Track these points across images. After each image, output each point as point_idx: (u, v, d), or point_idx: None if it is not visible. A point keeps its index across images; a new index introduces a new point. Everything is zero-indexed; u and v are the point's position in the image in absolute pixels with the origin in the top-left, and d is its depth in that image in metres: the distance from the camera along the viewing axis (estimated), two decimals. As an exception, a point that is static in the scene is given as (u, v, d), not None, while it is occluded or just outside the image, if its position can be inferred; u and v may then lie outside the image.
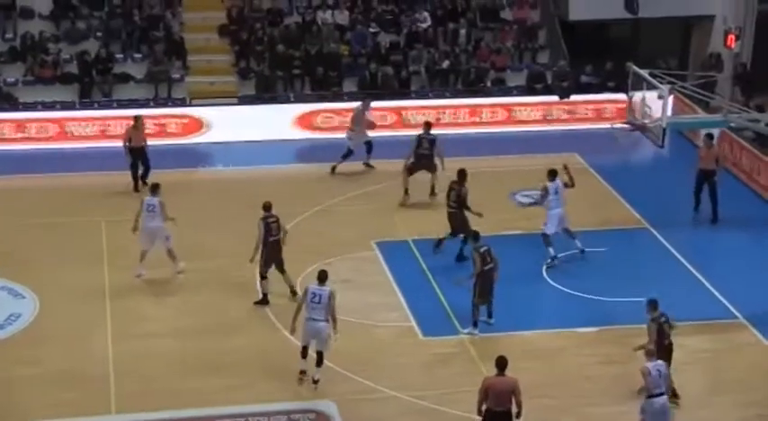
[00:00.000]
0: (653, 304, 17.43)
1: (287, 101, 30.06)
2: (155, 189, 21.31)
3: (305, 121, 29.05)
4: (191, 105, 29.61)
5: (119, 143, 25.94)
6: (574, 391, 17.86)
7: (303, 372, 18.07)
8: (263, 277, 20.42)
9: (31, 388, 17.84)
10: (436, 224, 23.11)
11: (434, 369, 18.62)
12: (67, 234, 23.12)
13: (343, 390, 17.92)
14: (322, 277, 18.03)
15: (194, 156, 27.75)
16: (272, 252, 20.35)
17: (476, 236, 20.05)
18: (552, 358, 18.82)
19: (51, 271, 21.51)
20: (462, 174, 22.54)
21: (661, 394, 15.90)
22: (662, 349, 16.88)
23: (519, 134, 29.24)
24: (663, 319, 17.52)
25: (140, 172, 25.42)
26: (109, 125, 28.13)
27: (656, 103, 23.17)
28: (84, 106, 29.31)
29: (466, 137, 28.80)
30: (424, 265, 22.07)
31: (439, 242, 22.25)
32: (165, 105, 29.53)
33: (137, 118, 25.86)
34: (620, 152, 27.59)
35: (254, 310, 20.30)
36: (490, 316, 19.78)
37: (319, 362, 17.95)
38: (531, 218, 23.64)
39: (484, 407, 15.72)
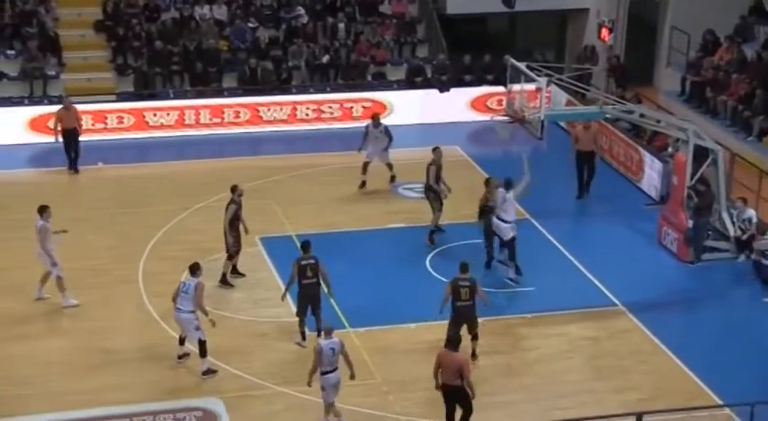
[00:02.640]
0: (464, 266, 18.37)
1: (166, 97, 29.74)
2: (42, 211, 19.87)
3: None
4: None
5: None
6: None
7: (181, 357, 18.22)
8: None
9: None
10: (320, 219, 23.11)
11: (321, 363, 18.61)
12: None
13: (229, 387, 17.85)
14: (193, 269, 18.06)
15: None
16: None
17: None
18: (434, 351, 18.92)
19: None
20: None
21: (334, 370, 16.49)
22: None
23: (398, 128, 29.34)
24: (464, 283, 18.30)
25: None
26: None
27: (534, 96, 23.58)
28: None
29: (344, 132, 28.81)
30: (308, 260, 22.03)
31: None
32: (40, 103, 28.95)
33: (64, 99, 26.11)
34: (499, 144, 27.96)
35: (138, 309, 20.05)
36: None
37: (201, 353, 17.89)
38: (413, 211, 23.83)
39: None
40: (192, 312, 17.96)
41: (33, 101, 29.14)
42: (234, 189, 21.19)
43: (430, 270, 21.86)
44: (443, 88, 30.11)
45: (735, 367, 18.67)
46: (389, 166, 25.44)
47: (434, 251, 22.47)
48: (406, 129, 29.17)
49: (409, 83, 31.11)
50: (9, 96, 29.19)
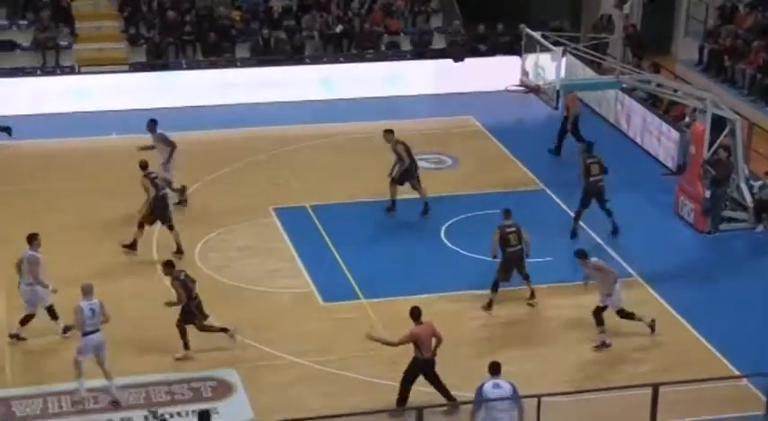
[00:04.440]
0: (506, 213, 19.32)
1: (179, 67, 29.72)
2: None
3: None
4: (79, 73, 29.09)
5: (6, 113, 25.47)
6: (472, 352, 18.08)
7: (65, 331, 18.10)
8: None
9: None
10: (334, 190, 23.15)
11: (335, 334, 18.71)
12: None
13: (244, 358, 17.93)
14: (29, 240, 17.95)
15: (80, 125, 27.27)
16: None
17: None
18: (452, 320, 19.01)
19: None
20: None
21: (96, 331, 16.51)
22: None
23: (411, 98, 29.32)
24: (511, 229, 19.01)
25: None
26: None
27: (550, 65, 23.48)
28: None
29: (358, 102, 28.77)
30: (322, 231, 22.11)
31: None
32: (53, 74, 28.98)
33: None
34: (514, 113, 27.91)
35: (148, 279, 20.11)
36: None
37: (52, 317, 18.05)
38: (426, 181, 23.83)
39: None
40: (31, 285, 17.87)
41: (46, 71, 29.15)
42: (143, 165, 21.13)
43: (444, 240, 21.87)
44: (457, 58, 30.01)
45: (752, 337, 18.65)
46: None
47: (449, 222, 22.46)
48: (419, 99, 29.19)
49: (423, 52, 30.99)
50: (22, 66, 29.20)
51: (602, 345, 18.35)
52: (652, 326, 18.64)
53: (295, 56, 30.34)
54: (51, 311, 18.24)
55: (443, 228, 22.23)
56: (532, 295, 19.60)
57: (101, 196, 23.24)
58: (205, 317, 17.97)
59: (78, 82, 28.48)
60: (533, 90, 24.67)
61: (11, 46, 29.51)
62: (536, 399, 14.97)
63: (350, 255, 21.06)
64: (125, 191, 22.36)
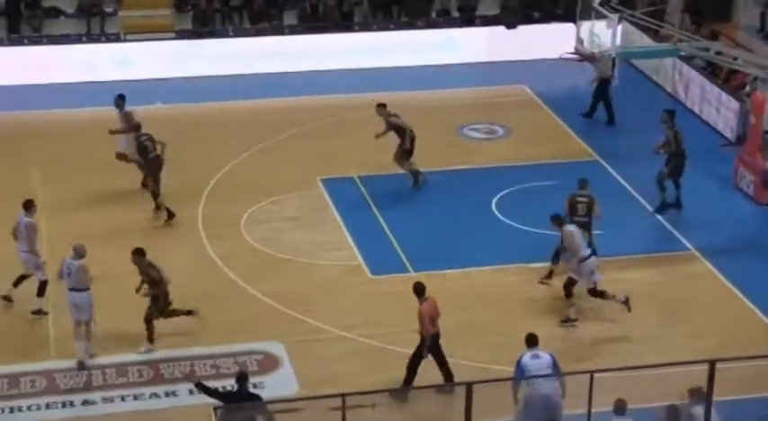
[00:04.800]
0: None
1: (225, 35, 29.74)
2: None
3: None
4: (124, 41, 29.22)
5: (47, 81, 25.51)
6: (526, 328, 17.97)
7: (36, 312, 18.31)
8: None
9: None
10: (383, 161, 23.11)
11: (383, 308, 18.71)
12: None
13: (291, 331, 18.00)
14: (26, 206, 18.16)
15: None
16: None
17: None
18: (504, 294, 18.97)
19: None
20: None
21: (73, 289, 16.94)
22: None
23: (462, 66, 29.16)
24: (582, 199, 19.09)
25: None
26: (38, 63, 27.70)
27: (605, 33, 23.23)
28: (12, 42, 28.83)
29: (406, 70, 28.69)
30: (371, 202, 22.10)
31: None
32: (98, 41, 29.11)
33: None
34: (568, 82, 27.68)
35: (196, 253, 20.21)
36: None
37: (39, 293, 18.23)
38: (477, 152, 23.78)
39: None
40: (29, 252, 17.98)
41: (91, 38, 29.28)
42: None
43: (496, 212, 21.78)
44: (510, 25, 29.77)
45: (813, 314, 18.46)
46: None
47: (500, 194, 22.33)
48: (470, 68, 29.02)
49: (473, 19, 30.75)
50: (67, 34, 29.35)
51: (567, 321, 18.22)
52: (627, 305, 18.26)
53: (343, 23, 30.24)
54: (42, 288, 18.22)
55: (495, 201, 22.13)
56: None
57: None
58: (170, 303, 17.68)
59: (123, 49, 28.59)
60: (588, 58, 24.42)
61: (56, 12, 29.66)
62: (588, 375, 14.88)
63: (399, 227, 21.03)
64: (171, 159, 22.41)
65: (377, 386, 15.76)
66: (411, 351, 16.76)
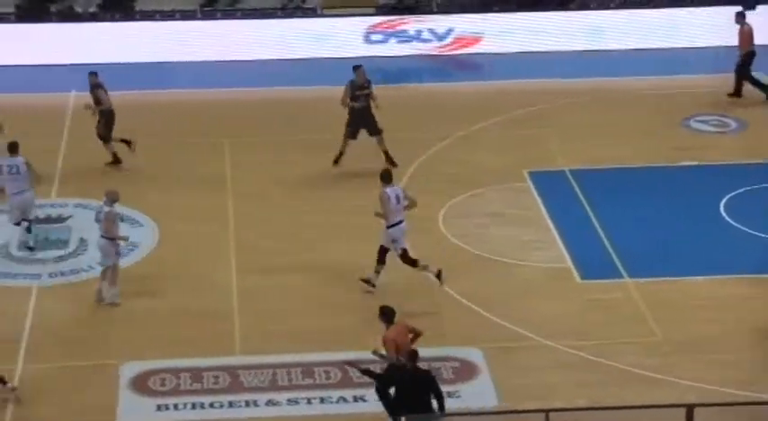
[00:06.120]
0: None
1: (430, 11, 29.64)
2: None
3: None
4: (322, 16, 29.51)
5: (243, 58, 26.04)
6: (757, 347, 17.42)
7: None
8: None
9: (146, 323, 18.15)
10: (598, 153, 22.75)
11: (593, 316, 18.36)
12: (189, 155, 23.40)
13: (490, 337, 17.80)
14: (109, 196, 18.49)
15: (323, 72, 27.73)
16: None
17: None
18: (731, 308, 18.36)
19: (171, 196, 21.78)
20: None
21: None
22: None
23: (691, 50, 28.45)
24: None
25: None
26: (233, 38, 28.31)
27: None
28: (206, 16, 29.49)
29: (630, 54, 28.14)
30: (583, 199, 21.74)
31: None
32: (293, 16, 29.51)
33: None
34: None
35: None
36: None
37: (111, 280, 18.52)
38: (707, 147, 23.10)
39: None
40: (108, 239, 18.35)
41: (286, 13, 29.66)
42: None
43: (724, 215, 21.15)
44: (749, 5, 28.80)
45: None
46: None
47: (730, 195, 21.65)
48: (700, 52, 28.30)
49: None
50: (261, 7, 29.82)
51: (366, 282, 18.65)
52: (438, 277, 18.54)
53: (562, 2, 29.80)
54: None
55: (723, 202, 21.49)
56: None
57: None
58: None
59: (321, 25, 28.91)
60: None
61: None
62: None
63: (613, 228, 20.62)
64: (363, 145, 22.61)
65: (588, 402, 15.49)
66: (624, 366, 16.42)
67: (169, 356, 17.26)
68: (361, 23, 28.92)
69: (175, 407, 16.24)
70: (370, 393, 16.12)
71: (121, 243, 18.73)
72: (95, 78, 22.84)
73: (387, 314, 15.66)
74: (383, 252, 18.71)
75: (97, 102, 22.70)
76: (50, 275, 19.45)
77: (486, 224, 21.05)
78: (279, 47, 28.31)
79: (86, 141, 23.01)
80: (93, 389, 16.53)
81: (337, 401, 16.46)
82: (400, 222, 18.58)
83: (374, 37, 28.55)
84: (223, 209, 21.39)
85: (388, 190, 18.64)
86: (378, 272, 18.73)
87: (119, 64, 26.85)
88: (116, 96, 22.98)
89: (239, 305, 18.61)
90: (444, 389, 15.26)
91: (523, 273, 19.64)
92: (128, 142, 22.77)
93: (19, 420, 15.88)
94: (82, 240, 20.32)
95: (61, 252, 20.05)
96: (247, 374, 16.91)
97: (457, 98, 26.18)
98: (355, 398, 16.49)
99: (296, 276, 19.09)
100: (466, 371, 17.06)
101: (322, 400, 16.48)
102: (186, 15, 29.46)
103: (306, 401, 16.46)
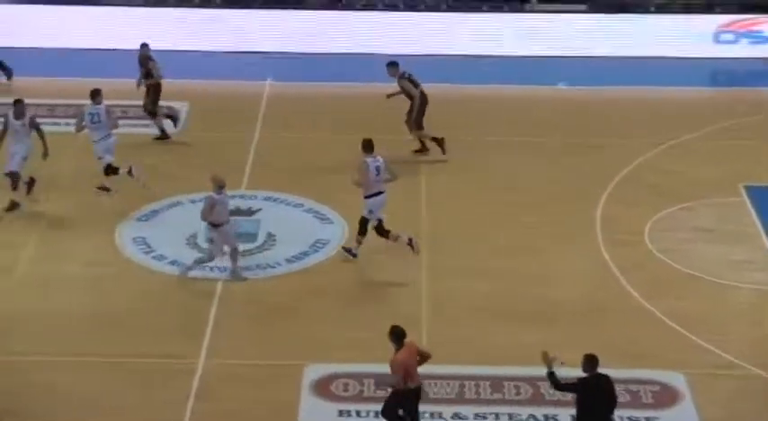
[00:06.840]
0: None
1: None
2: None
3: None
4: (533, 11, 29.15)
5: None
6: None
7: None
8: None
9: (322, 323, 18.19)
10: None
11: (810, 346, 17.77)
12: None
13: (695, 362, 17.32)
14: (217, 182, 18.83)
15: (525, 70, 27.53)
16: None
17: None
18: None
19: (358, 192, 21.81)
20: None
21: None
22: None
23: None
24: None
25: None
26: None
27: None
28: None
29: None
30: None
31: None
32: (500, 10, 29.28)
33: None
34: None
35: (589, 258, 19.88)
36: None
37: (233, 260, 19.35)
38: None
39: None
40: (215, 225, 18.93)
41: (492, 7, 29.35)
42: None
43: None
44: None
45: None
46: None
47: None
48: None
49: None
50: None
51: (348, 251, 19.55)
52: (411, 245, 19.44)
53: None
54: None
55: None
56: None
57: (548, 158, 23.28)
58: None
59: (530, 22, 28.72)
60: None
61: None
62: None
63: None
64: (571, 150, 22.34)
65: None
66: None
67: (353, 360, 17.19)
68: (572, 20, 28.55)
69: (358, 414, 16.19)
70: (564, 414, 15.82)
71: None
72: (147, 50, 23.57)
73: (397, 334, 15.08)
74: (364, 222, 19.54)
75: (148, 74, 23.37)
76: (237, 269, 19.72)
77: (696, 239, 20.62)
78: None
79: (280, 131, 23.25)
80: (275, 388, 16.61)
81: (527, 419, 16.18)
82: (379, 193, 19.45)
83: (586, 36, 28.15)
84: (416, 211, 21.36)
85: (369, 160, 19.43)
86: (359, 242, 19.60)
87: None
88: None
89: (428, 310, 18.51)
90: (643, 414, 14.95)
91: (735, 294, 19.15)
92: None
93: (198, 414, 16.07)
94: (270, 235, 20.52)
95: (249, 246, 20.22)
96: (433, 385, 16.76)
97: (666, 103, 25.91)
98: (546, 418, 16.18)
99: (485, 283, 18.88)
100: (667, 396, 16.60)
101: (510, 417, 16.22)
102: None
103: (494, 417, 16.23)
